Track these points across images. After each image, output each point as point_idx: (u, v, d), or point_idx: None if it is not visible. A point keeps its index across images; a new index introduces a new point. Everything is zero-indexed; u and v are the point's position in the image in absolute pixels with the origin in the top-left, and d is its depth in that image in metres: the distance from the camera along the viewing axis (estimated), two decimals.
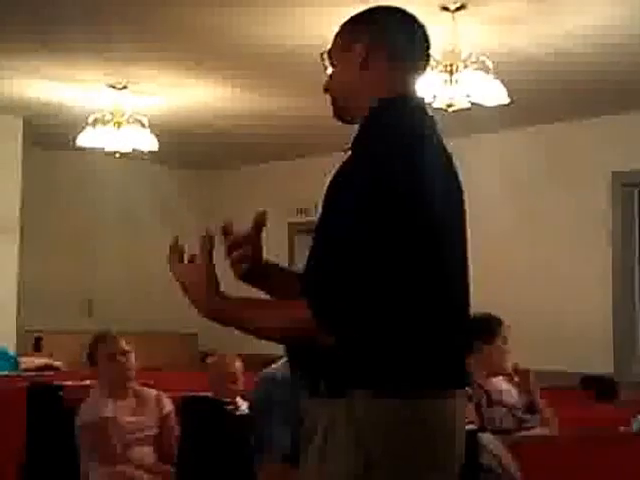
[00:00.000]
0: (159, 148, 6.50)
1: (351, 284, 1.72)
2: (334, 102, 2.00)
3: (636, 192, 6.78)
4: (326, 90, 2.01)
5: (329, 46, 2.01)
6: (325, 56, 2.01)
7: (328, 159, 8.15)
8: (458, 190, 1.94)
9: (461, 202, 1.93)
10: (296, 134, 7.48)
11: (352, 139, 1.87)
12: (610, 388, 5.72)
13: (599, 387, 5.57)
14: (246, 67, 5.82)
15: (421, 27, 1.99)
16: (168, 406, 4.15)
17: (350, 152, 1.83)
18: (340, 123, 2.01)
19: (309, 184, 8.07)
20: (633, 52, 5.23)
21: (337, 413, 1.78)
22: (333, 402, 1.79)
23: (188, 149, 8.25)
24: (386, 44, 1.93)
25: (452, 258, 1.86)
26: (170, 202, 8.77)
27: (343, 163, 1.80)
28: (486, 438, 3.35)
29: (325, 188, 1.80)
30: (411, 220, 1.74)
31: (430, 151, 1.84)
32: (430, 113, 1.94)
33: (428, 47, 2.00)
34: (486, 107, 4.93)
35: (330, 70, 2.00)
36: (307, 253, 1.84)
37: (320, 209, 1.81)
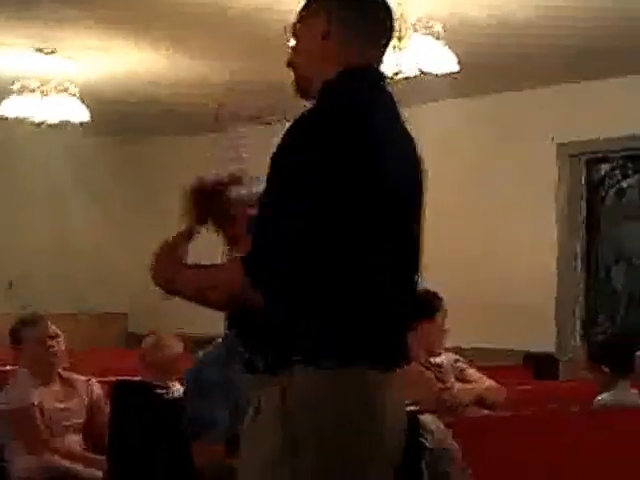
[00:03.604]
0: (90, 118, 6.26)
1: (293, 252, 1.73)
2: (297, 77, 1.98)
3: (582, 163, 6.76)
4: (289, 64, 1.99)
5: (294, 20, 1.99)
6: (289, 29, 2.00)
7: (265, 130, 8.02)
8: (414, 165, 1.91)
9: (417, 177, 1.91)
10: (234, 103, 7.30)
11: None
12: (550, 366, 5.75)
13: (539, 365, 5.58)
14: (183, 30, 5.65)
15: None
16: (97, 391, 4.09)
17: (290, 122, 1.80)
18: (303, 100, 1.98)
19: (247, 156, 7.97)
20: (582, 20, 5.18)
21: (272, 385, 1.76)
22: (269, 379, 1.76)
23: (120, 119, 8.00)
24: (348, 15, 1.92)
25: (400, 233, 1.84)
26: (98, 175, 8.49)
27: (294, 126, 1.79)
28: (427, 419, 3.34)
29: (269, 158, 1.79)
30: (355, 192, 1.74)
31: (381, 127, 1.81)
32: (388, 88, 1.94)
33: (391, 19, 1.98)
34: (433, 75, 4.82)
35: (292, 44, 1.99)
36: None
37: (263, 180, 1.80)
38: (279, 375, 1.75)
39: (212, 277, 1.83)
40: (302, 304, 1.74)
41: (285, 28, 2.03)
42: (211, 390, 3.02)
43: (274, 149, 1.78)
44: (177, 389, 3.97)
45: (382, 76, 1.96)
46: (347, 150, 1.73)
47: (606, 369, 4.08)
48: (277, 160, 1.76)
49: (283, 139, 1.77)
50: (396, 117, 1.88)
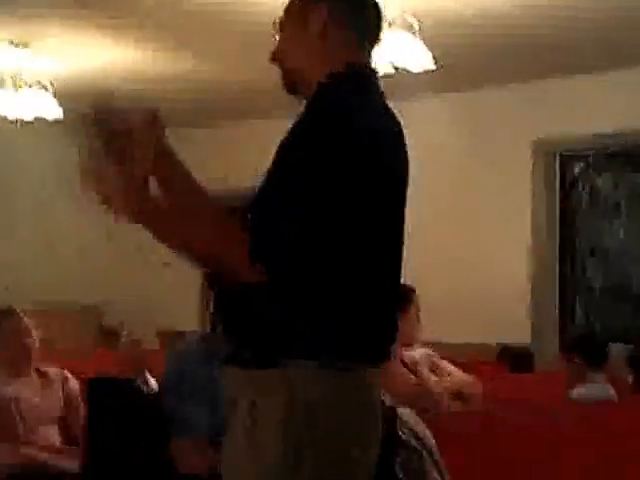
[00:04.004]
0: (64, 115, 6.21)
1: (296, 237, 1.68)
2: (286, 73, 1.95)
3: (557, 160, 6.80)
4: (273, 59, 1.96)
5: (281, 14, 1.96)
6: (276, 24, 1.96)
7: (245, 127, 7.97)
8: (406, 162, 1.90)
9: (407, 174, 1.90)
10: (212, 99, 7.28)
11: (306, 104, 1.84)
12: (526, 360, 5.77)
13: (515, 359, 5.60)
14: (160, 27, 5.64)
15: None
16: (74, 385, 4.06)
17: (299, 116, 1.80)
18: (289, 94, 1.97)
19: (224, 154, 7.95)
20: (558, 17, 5.20)
21: (268, 386, 1.71)
22: (264, 374, 1.72)
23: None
24: (344, 14, 1.91)
25: (394, 231, 1.85)
26: (71, 171, 8.38)
27: (294, 127, 1.78)
28: (404, 413, 3.33)
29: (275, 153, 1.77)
30: (353, 192, 1.73)
31: (379, 127, 1.81)
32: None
33: (380, 17, 1.98)
34: (409, 72, 4.83)
35: (278, 38, 1.96)
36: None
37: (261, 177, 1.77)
38: (272, 370, 1.71)
39: (220, 242, 1.69)
40: (303, 299, 1.71)
41: (274, 23, 1.97)
42: (190, 385, 3.01)
43: (278, 145, 1.76)
44: (153, 384, 3.98)
45: (376, 74, 1.96)
46: (348, 152, 1.72)
47: (579, 361, 4.12)
48: (280, 159, 1.75)
49: (287, 139, 1.76)
50: (392, 116, 1.88)
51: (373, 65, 1.97)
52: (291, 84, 1.94)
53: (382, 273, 1.81)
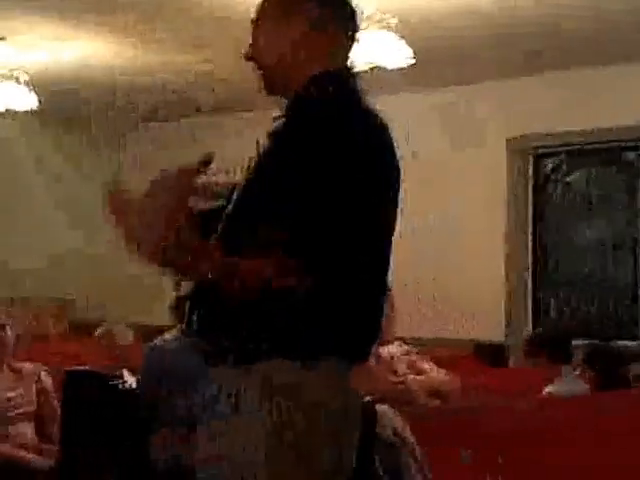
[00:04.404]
0: (42, 108, 6.15)
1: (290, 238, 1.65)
2: (266, 74, 1.93)
3: (531, 157, 6.83)
4: (250, 58, 1.94)
5: (257, 13, 1.95)
6: (253, 22, 1.95)
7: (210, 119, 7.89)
8: (394, 161, 1.90)
9: (397, 174, 1.91)
10: (186, 91, 7.24)
11: (287, 108, 1.85)
12: (500, 355, 5.81)
13: (490, 354, 5.64)
14: (135, 20, 5.58)
15: None
16: (45, 379, 4.06)
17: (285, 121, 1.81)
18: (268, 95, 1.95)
19: (199, 145, 7.89)
20: (535, 15, 5.22)
21: (251, 383, 1.72)
22: (247, 370, 1.72)
23: (73, 108, 7.87)
24: (323, 17, 1.90)
25: (386, 230, 1.87)
26: (50, 164, 8.35)
27: (279, 132, 1.79)
28: (384, 410, 3.33)
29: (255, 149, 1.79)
30: (349, 194, 1.72)
31: (366, 127, 1.81)
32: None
33: (357, 17, 1.98)
34: (387, 69, 4.83)
35: (256, 37, 1.93)
36: None
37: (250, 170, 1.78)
38: (254, 367, 1.72)
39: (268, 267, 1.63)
40: (289, 296, 1.69)
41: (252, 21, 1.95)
42: (169, 379, 3.00)
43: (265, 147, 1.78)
44: (129, 378, 3.95)
45: (355, 75, 1.96)
46: (335, 154, 1.72)
47: (544, 358, 4.20)
48: (266, 165, 1.76)
49: (271, 144, 1.78)
50: (376, 115, 1.87)
51: (351, 64, 1.96)
52: (270, 85, 1.93)
53: (372, 273, 1.82)
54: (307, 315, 1.71)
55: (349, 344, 1.77)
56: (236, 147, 3.40)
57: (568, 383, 4.14)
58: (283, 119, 1.83)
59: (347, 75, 1.93)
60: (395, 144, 1.89)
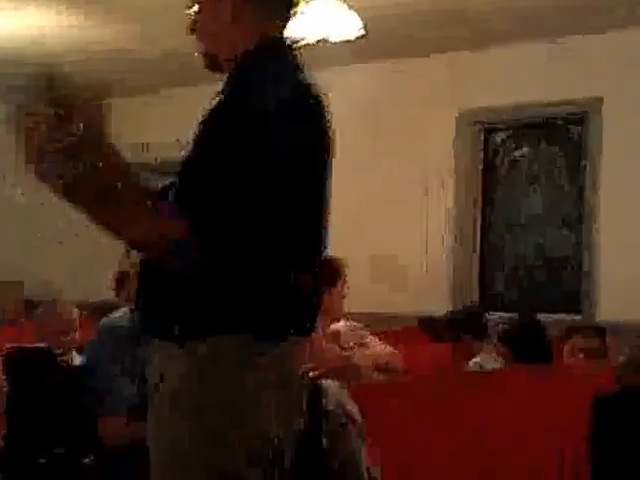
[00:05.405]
0: None
1: (233, 211, 1.68)
2: (206, 52, 1.97)
3: (480, 130, 6.85)
4: (192, 30, 1.95)
5: None
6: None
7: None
8: (324, 133, 1.89)
9: (327, 144, 1.89)
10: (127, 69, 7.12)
11: (224, 84, 1.88)
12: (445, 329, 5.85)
13: (435, 328, 5.67)
14: None
15: None
16: None
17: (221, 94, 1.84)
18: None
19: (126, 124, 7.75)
20: None
21: (192, 359, 1.73)
22: (189, 346, 1.73)
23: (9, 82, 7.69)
24: None
25: (319, 203, 1.86)
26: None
27: (217, 102, 1.81)
28: (330, 385, 3.34)
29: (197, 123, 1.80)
30: (283, 163, 1.73)
31: (300, 95, 1.83)
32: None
33: None
34: (336, 41, 4.81)
35: (195, 10, 1.94)
36: None
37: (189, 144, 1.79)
38: (196, 343, 1.73)
39: (155, 229, 1.68)
40: (227, 272, 1.71)
41: None
42: (118, 359, 2.98)
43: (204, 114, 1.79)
44: (74, 356, 3.92)
45: (291, 45, 1.96)
46: (265, 124, 1.73)
47: (464, 336, 4.38)
48: (206, 133, 1.78)
49: (211, 113, 1.79)
50: (308, 86, 1.87)
51: (293, 35, 1.97)
52: (211, 60, 1.95)
53: (307, 247, 1.82)
54: (241, 290, 1.72)
55: (286, 318, 1.78)
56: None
57: (483, 359, 4.27)
58: (221, 95, 1.85)
59: (280, 45, 1.93)
60: (327, 115, 1.89)
